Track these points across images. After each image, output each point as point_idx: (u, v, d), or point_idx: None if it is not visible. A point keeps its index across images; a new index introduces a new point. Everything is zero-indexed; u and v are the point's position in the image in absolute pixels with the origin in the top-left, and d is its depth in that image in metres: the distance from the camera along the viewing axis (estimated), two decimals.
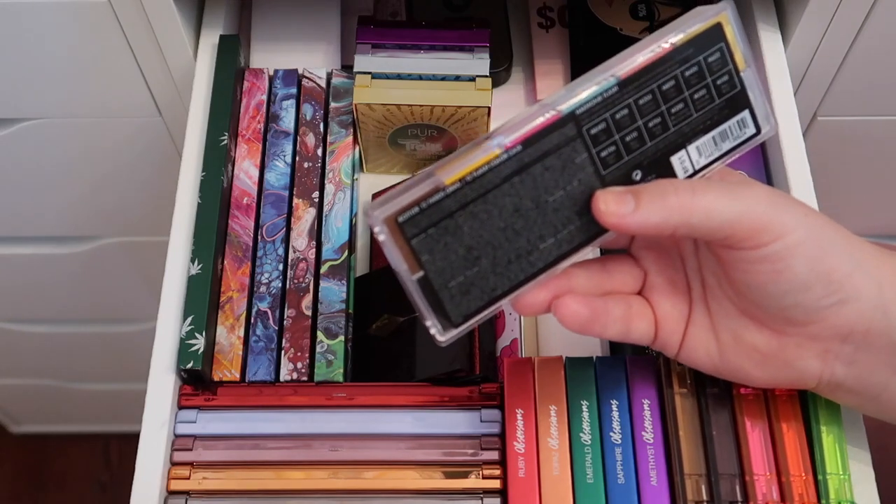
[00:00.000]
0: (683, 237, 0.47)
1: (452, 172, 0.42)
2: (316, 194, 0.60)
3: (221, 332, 0.55)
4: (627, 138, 0.44)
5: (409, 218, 0.41)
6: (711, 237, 0.43)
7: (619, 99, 0.43)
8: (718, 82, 0.45)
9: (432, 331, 0.43)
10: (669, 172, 0.45)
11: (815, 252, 0.43)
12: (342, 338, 0.55)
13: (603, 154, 0.43)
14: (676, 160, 0.45)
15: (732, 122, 0.45)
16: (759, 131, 0.46)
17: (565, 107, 0.43)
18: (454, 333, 0.44)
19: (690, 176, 0.45)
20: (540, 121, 0.42)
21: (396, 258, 0.42)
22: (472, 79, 0.62)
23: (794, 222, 0.42)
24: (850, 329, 0.44)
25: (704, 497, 0.48)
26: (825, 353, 0.45)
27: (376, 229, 0.41)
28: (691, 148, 0.45)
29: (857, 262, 0.44)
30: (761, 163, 0.62)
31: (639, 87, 0.43)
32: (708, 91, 0.44)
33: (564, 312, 0.44)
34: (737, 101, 0.45)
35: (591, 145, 0.43)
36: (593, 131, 0.43)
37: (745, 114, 0.46)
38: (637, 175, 0.44)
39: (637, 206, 0.42)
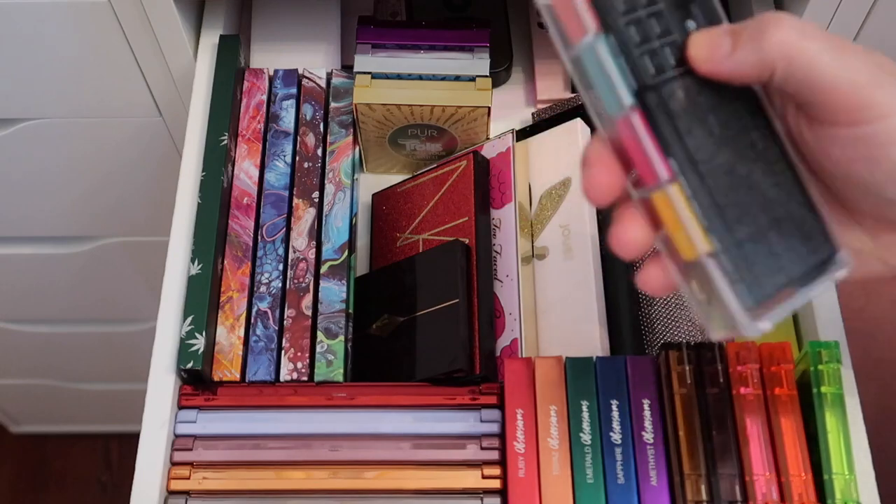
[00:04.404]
0: (776, 90, 0.40)
1: None
2: (316, 194, 0.60)
3: (221, 332, 0.55)
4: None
5: None
6: (804, 95, 0.38)
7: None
8: None
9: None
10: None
11: None
12: (342, 338, 0.55)
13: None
14: None
15: None
16: None
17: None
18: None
19: None
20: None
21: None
22: (472, 79, 0.62)
23: None
24: None
25: (704, 497, 0.48)
26: None
27: None
28: None
29: None
30: None
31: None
32: None
33: None
34: None
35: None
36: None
37: None
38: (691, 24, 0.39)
39: (734, 46, 0.37)
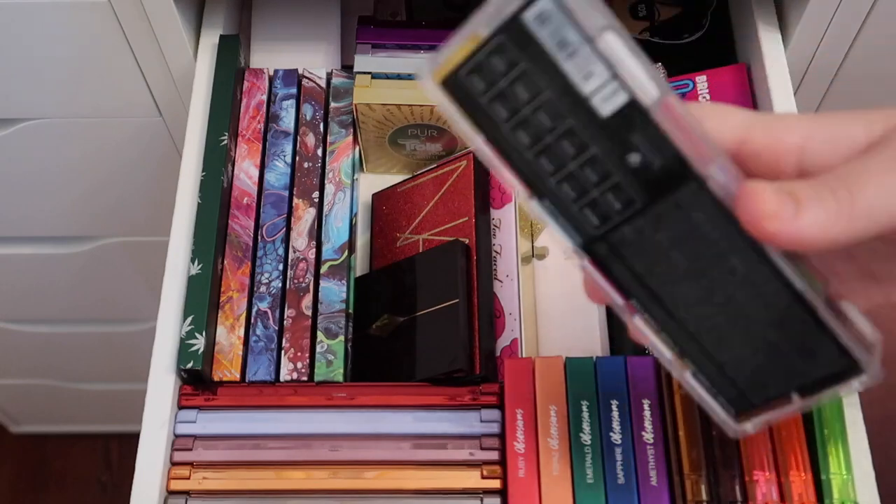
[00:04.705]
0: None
1: None
2: (316, 194, 0.60)
3: (221, 332, 0.55)
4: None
5: None
6: None
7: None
8: None
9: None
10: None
11: None
12: (342, 338, 0.55)
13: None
14: None
15: None
16: None
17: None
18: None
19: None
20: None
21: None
22: None
23: None
24: None
25: (704, 497, 0.48)
26: None
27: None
28: None
29: None
30: None
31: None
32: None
33: None
34: None
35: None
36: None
37: None
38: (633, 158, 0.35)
39: (804, 208, 0.33)
